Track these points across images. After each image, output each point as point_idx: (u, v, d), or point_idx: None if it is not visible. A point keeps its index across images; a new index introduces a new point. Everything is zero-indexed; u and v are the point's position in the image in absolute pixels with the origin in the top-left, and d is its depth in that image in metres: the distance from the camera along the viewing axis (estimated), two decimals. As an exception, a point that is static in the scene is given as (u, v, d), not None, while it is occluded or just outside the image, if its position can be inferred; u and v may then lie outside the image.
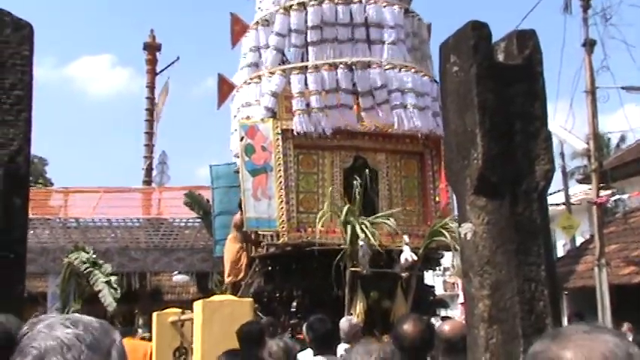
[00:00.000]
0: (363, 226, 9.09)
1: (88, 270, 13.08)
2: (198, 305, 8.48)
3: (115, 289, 12.90)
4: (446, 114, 2.64)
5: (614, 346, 1.14)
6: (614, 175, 13.01)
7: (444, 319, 8.08)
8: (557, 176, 16.57)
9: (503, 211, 2.39)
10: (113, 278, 13.15)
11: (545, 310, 2.33)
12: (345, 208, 9.20)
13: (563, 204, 15.72)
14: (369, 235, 8.99)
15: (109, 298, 12.72)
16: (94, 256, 13.62)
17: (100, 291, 12.85)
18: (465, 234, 2.46)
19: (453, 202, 10.48)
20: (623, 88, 11.37)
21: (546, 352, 1.18)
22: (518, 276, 2.34)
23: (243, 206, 10.20)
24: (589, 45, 10.80)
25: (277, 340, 4.34)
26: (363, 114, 10.46)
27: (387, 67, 10.47)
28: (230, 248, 11.00)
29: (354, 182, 9.40)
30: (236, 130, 11.25)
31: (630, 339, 9.02)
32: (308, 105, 10.33)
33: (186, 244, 19.13)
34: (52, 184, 31.01)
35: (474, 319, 2.38)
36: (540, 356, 1.18)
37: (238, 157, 11.00)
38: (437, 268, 12.43)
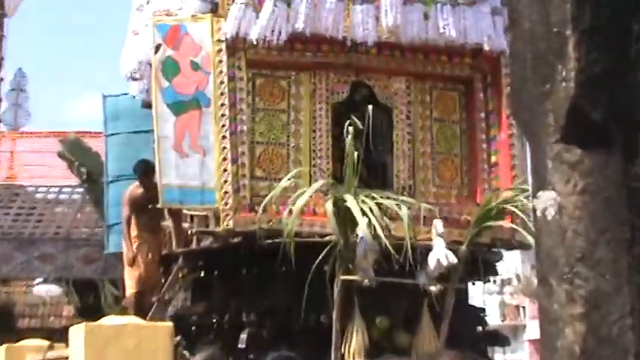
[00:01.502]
0: (364, 205, 9.37)
1: None
2: (77, 333, 9.32)
3: None
4: (514, 4, 2.59)
5: None
6: None
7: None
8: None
9: (610, 172, 2.31)
10: None
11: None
12: (331, 181, 9.84)
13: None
14: (372, 221, 9.28)
15: None
16: None
17: None
18: (544, 210, 2.39)
19: (522, 161, 10.97)
20: None
21: None
22: (631, 283, 2.26)
23: (158, 167, 10.73)
24: None
25: None
26: (357, 7, 10.78)
27: None
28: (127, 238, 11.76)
29: (349, 128, 9.69)
30: (138, 33, 11.71)
31: None
32: None
33: (59, 230, 19.73)
34: None
35: (555, 357, 2.34)
36: None
37: (135, 79, 11.80)
38: (491, 279, 13.17)
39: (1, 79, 25.50)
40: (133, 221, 11.71)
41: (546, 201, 2.37)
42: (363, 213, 9.37)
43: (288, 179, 10.02)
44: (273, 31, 10.54)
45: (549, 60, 2.38)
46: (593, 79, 2.29)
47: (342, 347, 9.39)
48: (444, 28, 10.93)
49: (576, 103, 2.29)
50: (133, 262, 11.67)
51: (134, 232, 11.67)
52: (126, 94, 12.88)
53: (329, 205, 9.59)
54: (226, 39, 10.60)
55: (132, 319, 10.21)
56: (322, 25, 10.72)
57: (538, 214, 2.36)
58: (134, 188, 11.67)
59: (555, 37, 2.36)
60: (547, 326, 2.36)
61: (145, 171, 11.28)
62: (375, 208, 9.47)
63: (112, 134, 13.60)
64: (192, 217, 11.36)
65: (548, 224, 2.36)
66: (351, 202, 9.43)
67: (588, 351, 2.22)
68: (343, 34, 10.75)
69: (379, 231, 9.39)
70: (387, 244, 9.41)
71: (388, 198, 9.99)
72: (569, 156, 2.32)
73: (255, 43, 10.68)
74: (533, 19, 2.44)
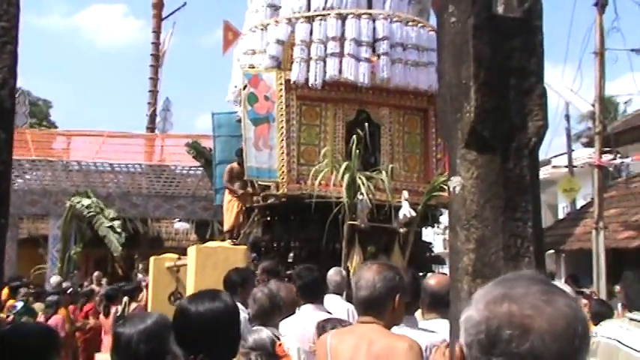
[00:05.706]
0: (361, 180, 11.30)
1: (90, 214, 17.39)
2: (192, 250, 10.66)
3: (119, 233, 17.27)
4: (441, 66, 3.09)
5: (573, 311, 1.49)
6: (620, 140, 15.97)
7: (439, 275, 8.91)
8: (562, 139, 19.54)
9: (493, 166, 2.78)
10: (116, 223, 17.57)
11: (529, 267, 2.71)
12: (344, 165, 11.66)
13: (566, 167, 19.52)
14: (364, 191, 11.16)
15: (114, 243, 17.18)
16: (96, 201, 17.85)
17: (104, 236, 17.12)
18: (454, 187, 2.85)
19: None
20: (632, 50, 14.78)
21: (507, 314, 1.48)
22: (504, 231, 2.73)
23: (244, 155, 12.90)
24: (601, 5, 14.16)
25: (262, 287, 5.69)
26: (361, 63, 12.78)
27: (394, 19, 13.23)
28: (225, 197, 13.95)
29: (354, 135, 11.65)
30: (236, 77, 13.85)
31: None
32: (309, 54, 12.84)
33: (188, 191, 24.69)
34: (56, 128, 38.85)
35: (457, 273, 2.81)
36: (504, 319, 1.48)
37: (235, 103, 14.03)
38: (436, 225, 15.15)
39: (156, 104, 31.27)
40: (230, 185, 13.41)
41: (456, 182, 2.84)
42: (362, 184, 11.20)
43: (319, 170, 11.62)
44: (315, 77, 12.56)
45: (460, 100, 2.83)
46: (485, 112, 2.76)
47: (348, 263, 10.75)
48: (404, 79, 12.79)
49: (474, 126, 2.75)
50: (230, 211, 13.36)
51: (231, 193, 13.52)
52: (228, 112, 14.94)
53: (341, 180, 11.20)
54: (284, 83, 12.53)
55: (223, 244, 11.97)
56: (344, 75, 12.59)
57: (451, 189, 2.88)
58: (231, 165, 13.49)
59: (463, 86, 2.81)
60: (453, 255, 2.84)
61: (240, 154, 12.90)
62: (368, 183, 11.30)
63: (218, 136, 15.75)
64: (266, 186, 12.75)
65: (456, 195, 2.84)
66: (356, 178, 11.14)
67: (476, 270, 2.72)
68: (355, 80, 12.60)
69: (369, 196, 11.17)
70: (375, 203, 11.42)
71: (371, 178, 11.60)
72: (469, 156, 2.78)
73: (302, 84, 12.64)
74: (451, 75, 2.92)
